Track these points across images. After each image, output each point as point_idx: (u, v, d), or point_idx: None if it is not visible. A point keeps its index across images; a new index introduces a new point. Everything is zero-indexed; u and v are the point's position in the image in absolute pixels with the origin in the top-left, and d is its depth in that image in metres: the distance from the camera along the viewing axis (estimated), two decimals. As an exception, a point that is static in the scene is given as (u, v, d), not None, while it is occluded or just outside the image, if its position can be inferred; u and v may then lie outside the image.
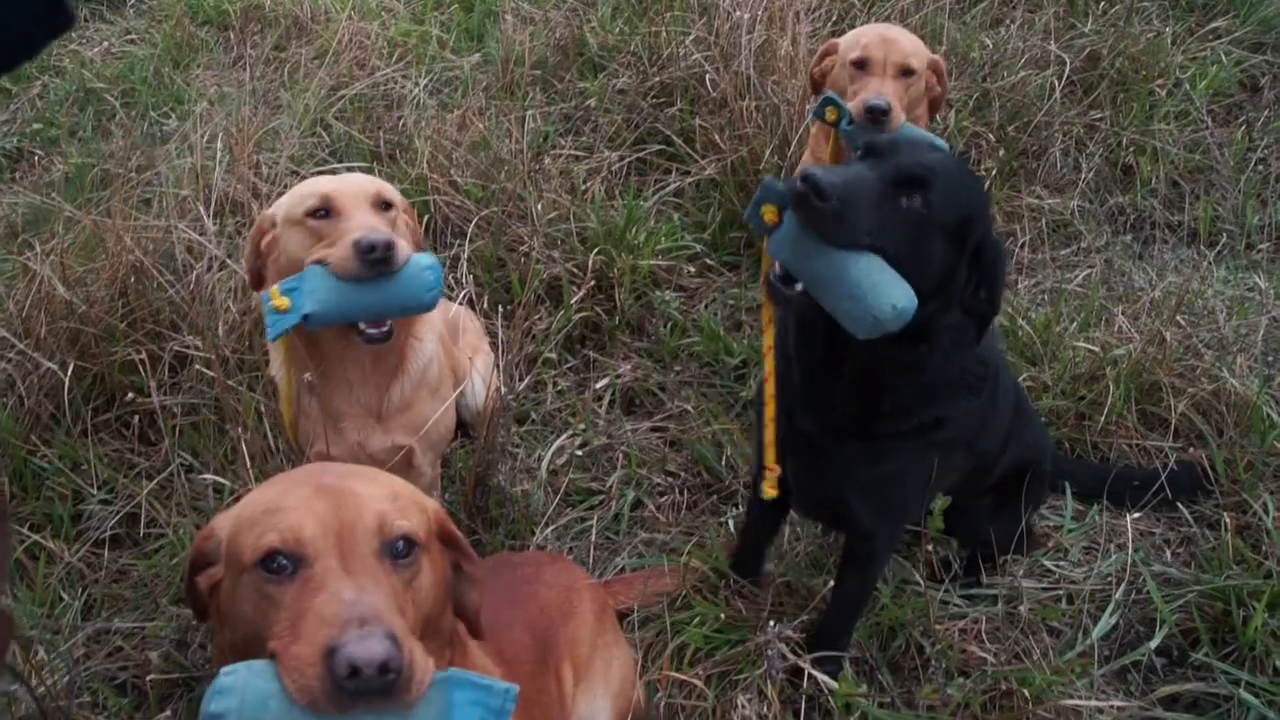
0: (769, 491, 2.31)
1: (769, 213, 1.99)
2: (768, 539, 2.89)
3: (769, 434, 2.30)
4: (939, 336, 2.11)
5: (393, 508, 1.49)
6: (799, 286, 1.99)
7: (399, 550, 1.45)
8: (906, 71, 3.31)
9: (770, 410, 2.29)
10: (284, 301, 2.30)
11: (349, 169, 4.15)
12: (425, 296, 2.34)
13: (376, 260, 2.27)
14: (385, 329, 2.40)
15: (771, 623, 2.51)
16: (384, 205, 2.47)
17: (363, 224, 2.34)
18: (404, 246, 2.34)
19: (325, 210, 2.40)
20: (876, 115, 3.12)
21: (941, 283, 2.03)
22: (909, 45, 3.35)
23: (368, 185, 2.49)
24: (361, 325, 2.41)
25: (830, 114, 3.14)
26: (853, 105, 3.17)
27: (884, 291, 1.88)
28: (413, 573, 1.46)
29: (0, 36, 1.29)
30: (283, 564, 1.39)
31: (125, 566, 3.00)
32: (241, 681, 1.29)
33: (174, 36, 5.76)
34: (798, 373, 2.27)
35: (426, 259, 2.36)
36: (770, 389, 2.28)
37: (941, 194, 1.97)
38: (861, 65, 3.34)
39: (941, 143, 2.88)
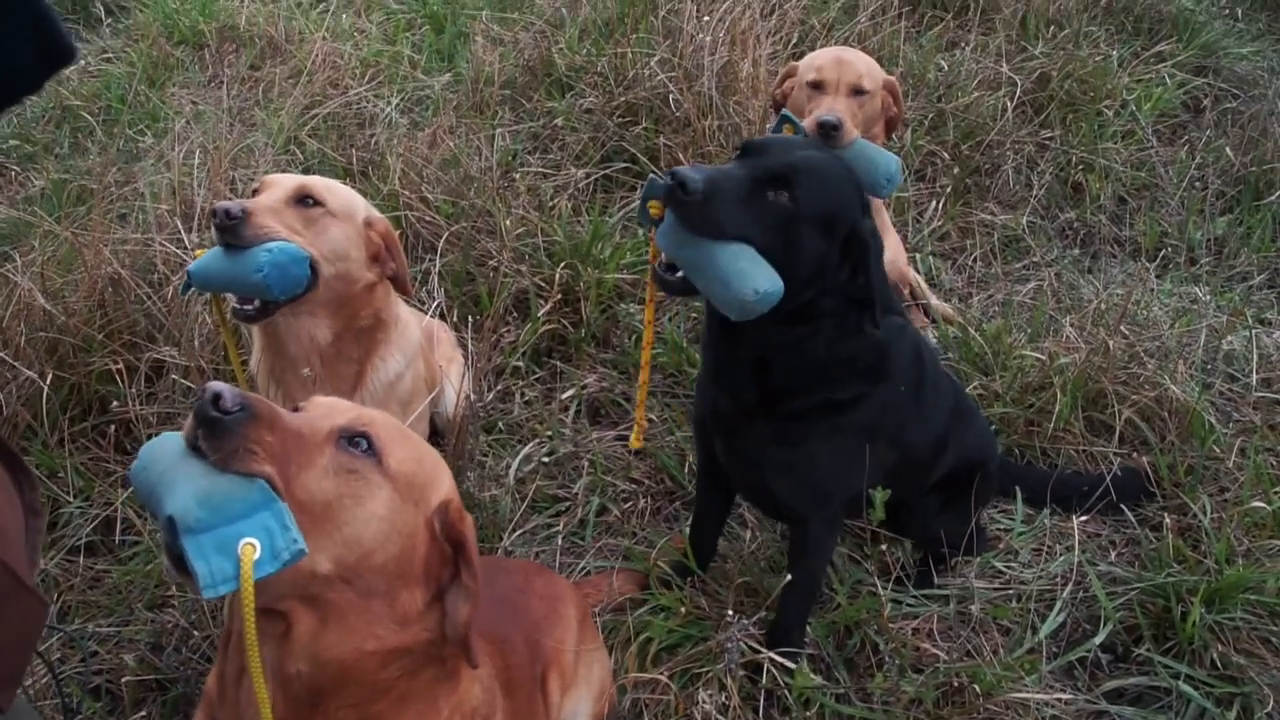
0: (634, 443, 2.63)
1: (654, 208, 2.17)
2: (716, 528, 2.97)
3: (641, 394, 2.58)
4: (820, 320, 2.24)
5: (379, 417, 1.56)
6: (679, 274, 2.15)
7: (354, 442, 1.49)
8: (859, 91, 3.44)
9: (644, 375, 2.58)
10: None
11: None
12: (251, 277, 2.35)
13: (219, 227, 2.37)
14: (251, 307, 2.46)
15: (730, 612, 2.57)
16: (303, 200, 2.53)
17: (251, 200, 2.47)
18: (266, 226, 2.41)
19: (255, 190, 2.58)
20: (827, 130, 3.21)
21: (814, 271, 2.17)
22: (862, 66, 3.48)
23: (295, 179, 2.57)
24: (234, 301, 2.51)
25: (787, 131, 3.26)
26: (806, 122, 3.27)
27: (748, 277, 2.02)
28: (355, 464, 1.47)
29: (2, 70, 1.33)
30: None
31: (100, 573, 3.01)
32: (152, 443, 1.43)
33: (150, 55, 5.77)
34: (710, 356, 2.43)
35: (276, 246, 2.39)
36: (645, 356, 2.55)
37: (806, 189, 2.10)
38: (817, 86, 3.46)
39: (894, 158, 3.00)
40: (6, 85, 1.35)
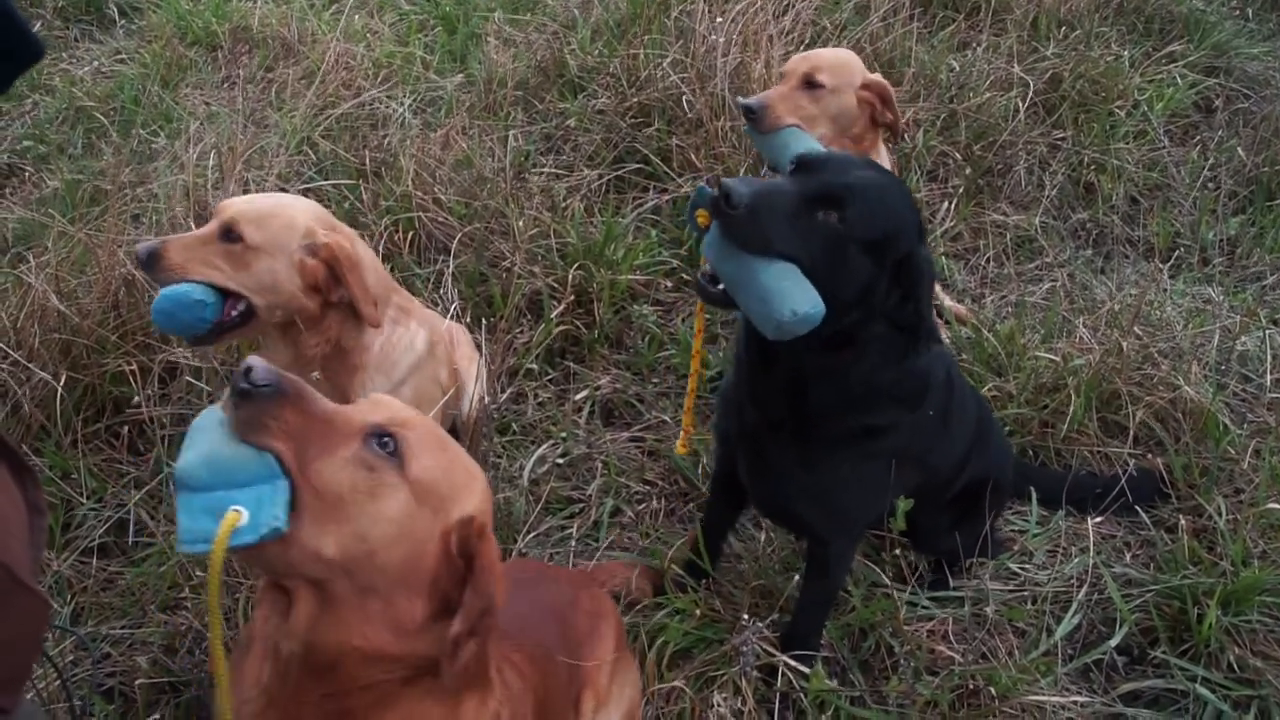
0: (679, 449, 2.59)
1: (702, 216, 2.10)
2: (725, 532, 2.99)
3: (689, 401, 2.50)
4: (865, 346, 2.16)
5: (420, 422, 1.59)
6: (721, 286, 2.08)
7: (382, 442, 1.50)
8: (811, 84, 3.38)
9: (693, 382, 2.51)
10: None
11: (334, 186, 4.24)
12: (153, 318, 2.48)
13: (140, 266, 2.47)
14: (189, 336, 2.54)
15: (745, 616, 2.58)
16: (227, 234, 2.51)
17: (172, 238, 2.53)
18: (176, 266, 2.46)
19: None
20: (746, 114, 3.22)
21: (861, 295, 2.08)
22: (825, 61, 3.42)
23: (230, 209, 2.55)
24: None
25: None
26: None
27: (788, 297, 1.94)
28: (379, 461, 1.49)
29: None
30: None
31: (113, 575, 3.01)
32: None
33: (163, 56, 5.77)
34: (744, 369, 2.37)
35: (165, 291, 2.44)
36: (695, 364, 2.51)
37: (859, 212, 2.02)
38: (783, 78, 3.47)
39: (816, 145, 2.96)
40: None
